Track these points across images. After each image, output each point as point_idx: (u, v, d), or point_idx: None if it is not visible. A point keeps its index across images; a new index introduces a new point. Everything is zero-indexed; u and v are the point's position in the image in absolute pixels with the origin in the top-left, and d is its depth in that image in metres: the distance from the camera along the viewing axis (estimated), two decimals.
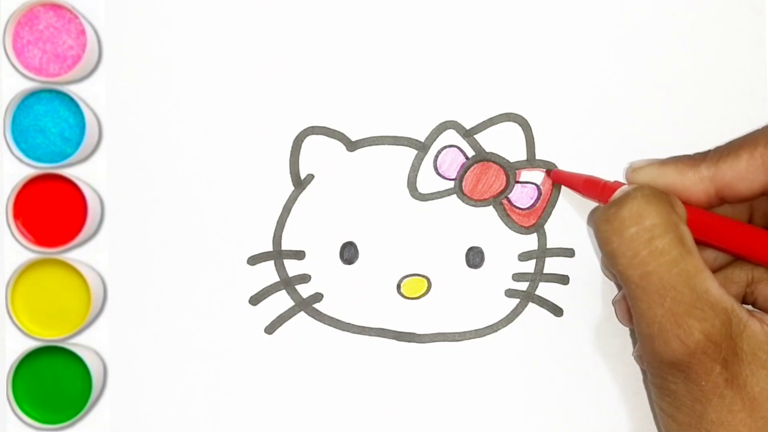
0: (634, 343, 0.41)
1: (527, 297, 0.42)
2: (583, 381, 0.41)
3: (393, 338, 0.42)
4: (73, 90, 0.41)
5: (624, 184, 0.38)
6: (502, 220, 0.42)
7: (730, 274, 0.39)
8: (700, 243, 0.35)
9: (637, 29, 0.42)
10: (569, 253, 0.42)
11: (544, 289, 0.42)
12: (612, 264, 0.35)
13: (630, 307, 0.35)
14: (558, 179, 0.41)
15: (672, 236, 0.34)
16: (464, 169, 0.42)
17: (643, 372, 0.41)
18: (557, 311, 0.42)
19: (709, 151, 0.37)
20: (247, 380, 0.41)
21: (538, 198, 0.41)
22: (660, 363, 0.34)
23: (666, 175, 0.37)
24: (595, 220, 0.35)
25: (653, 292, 0.33)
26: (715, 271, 0.39)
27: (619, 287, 0.41)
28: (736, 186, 0.36)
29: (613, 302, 0.41)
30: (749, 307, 0.38)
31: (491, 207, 0.42)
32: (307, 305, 0.42)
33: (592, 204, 0.41)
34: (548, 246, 0.42)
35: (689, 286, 0.33)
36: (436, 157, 0.42)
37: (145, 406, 0.41)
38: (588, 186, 0.39)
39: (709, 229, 0.36)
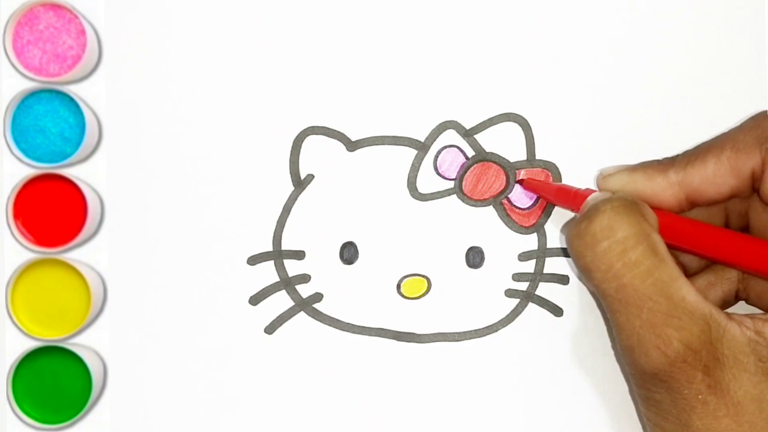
0: (617, 354, 0.41)
1: (527, 297, 0.42)
2: (582, 381, 0.41)
3: (393, 338, 0.42)
4: (73, 90, 0.41)
5: (594, 191, 0.38)
6: (502, 220, 0.42)
7: (720, 271, 0.39)
8: (675, 249, 0.35)
9: (637, 29, 0.42)
10: (569, 253, 0.42)
11: (544, 289, 0.42)
12: (587, 279, 0.35)
13: (610, 321, 0.35)
14: (529, 188, 0.41)
15: (644, 246, 0.33)
16: (464, 169, 0.42)
17: (628, 382, 0.41)
18: (557, 311, 0.42)
19: (677, 156, 0.37)
20: (247, 380, 0.41)
21: (538, 198, 0.41)
22: (642, 374, 0.34)
23: (635, 181, 0.37)
24: (567, 235, 0.35)
25: (630, 304, 0.33)
26: (703, 270, 0.39)
27: (597, 301, 0.41)
28: (704, 190, 0.36)
29: None
30: (734, 308, 0.38)
31: (491, 207, 0.42)
32: (307, 305, 0.42)
33: None
34: (548, 246, 0.42)
35: (665, 296, 0.33)
36: (436, 157, 0.42)
37: (145, 406, 0.41)
38: (558, 195, 0.39)
39: (682, 234, 0.36)
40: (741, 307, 0.39)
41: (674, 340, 0.33)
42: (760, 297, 0.38)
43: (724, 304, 0.39)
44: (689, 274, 0.39)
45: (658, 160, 0.37)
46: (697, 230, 0.36)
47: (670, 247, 0.35)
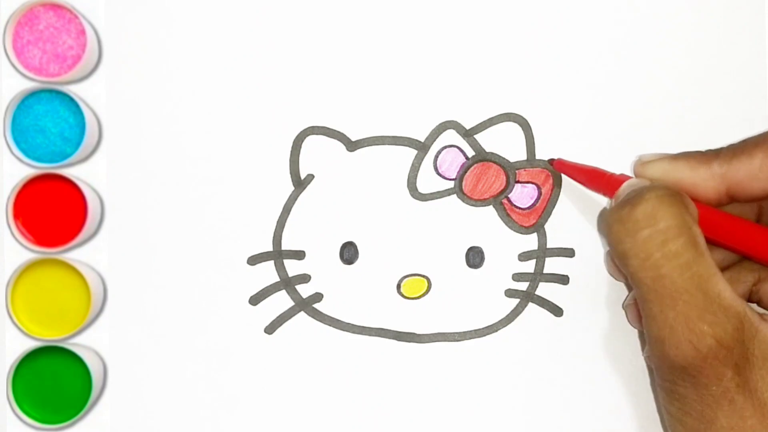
0: (643, 344, 0.41)
1: (527, 297, 0.42)
2: (582, 381, 0.41)
3: (393, 338, 0.42)
4: (73, 90, 0.41)
5: (630, 177, 0.38)
6: (502, 220, 0.42)
7: (737, 273, 0.38)
8: (709, 242, 0.35)
9: (637, 29, 0.42)
10: (569, 253, 0.42)
11: (544, 289, 0.42)
12: (623, 265, 0.34)
13: (640, 309, 0.35)
14: (560, 169, 0.41)
15: (685, 239, 0.33)
16: (464, 169, 0.42)
17: (651, 374, 0.41)
18: (557, 311, 0.42)
19: (723, 148, 0.36)
20: (247, 380, 0.41)
21: (538, 198, 0.41)
22: (670, 367, 0.34)
23: (677, 170, 0.36)
24: (607, 219, 0.35)
25: (666, 295, 0.33)
26: (722, 270, 0.39)
27: (629, 288, 0.41)
28: (748, 185, 0.36)
29: (624, 307, 0.41)
30: (755, 305, 0.38)
31: (491, 207, 0.42)
32: (307, 305, 0.42)
33: (593, 204, 0.41)
34: (548, 246, 0.42)
35: (702, 290, 0.33)
36: (436, 157, 0.42)
37: (145, 406, 0.41)
38: (592, 177, 0.39)
39: (719, 228, 0.36)
40: None
41: (707, 335, 0.33)
42: None
43: None
44: None
45: (701, 151, 0.37)
46: (735, 225, 0.36)
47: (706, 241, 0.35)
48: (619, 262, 0.35)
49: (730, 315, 0.33)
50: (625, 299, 0.41)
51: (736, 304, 0.33)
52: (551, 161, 0.41)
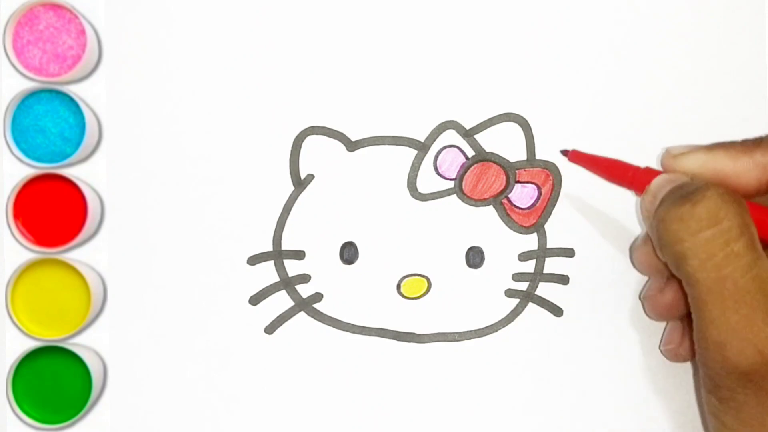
0: (671, 339, 0.40)
1: (527, 297, 0.42)
2: (582, 381, 0.41)
3: (393, 338, 0.42)
4: (73, 90, 0.41)
5: (657, 171, 0.37)
6: (502, 220, 0.42)
7: None
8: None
9: (637, 29, 0.42)
10: (569, 253, 0.42)
11: (544, 289, 0.42)
12: (680, 264, 0.33)
13: (695, 312, 0.33)
14: (576, 160, 0.40)
15: (746, 239, 0.32)
16: (464, 169, 0.42)
17: (698, 381, 0.40)
18: (557, 311, 0.42)
19: (763, 137, 0.36)
20: (247, 380, 0.41)
21: (538, 198, 0.41)
22: (730, 373, 0.33)
23: (716, 161, 0.35)
24: (664, 216, 0.34)
25: (727, 297, 0.32)
26: None
27: (681, 281, 0.37)
28: None
29: (642, 298, 0.40)
30: None
31: (491, 207, 0.42)
32: (307, 305, 0.42)
33: (595, 203, 0.41)
34: (548, 246, 0.42)
35: (764, 292, 0.32)
36: (436, 157, 0.42)
37: (145, 406, 0.41)
38: (614, 170, 0.38)
39: (764, 224, 0.35)
40: None
41: None
42: None
43: None
44: None
45: (739, 141, 0.36)
46: None
47: None
48: (675, 262, 0.33)
49: None
50: (644, 290, 0.40)
51: None
52: (565, 152, 0.41)
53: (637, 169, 0.37)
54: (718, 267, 0.32)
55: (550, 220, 0.42)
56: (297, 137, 0.42)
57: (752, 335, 0.32)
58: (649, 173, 0.37)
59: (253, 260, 0.42)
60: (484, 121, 0.42)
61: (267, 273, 0.42)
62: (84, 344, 0.41)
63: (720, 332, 0.32)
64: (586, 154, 0.40)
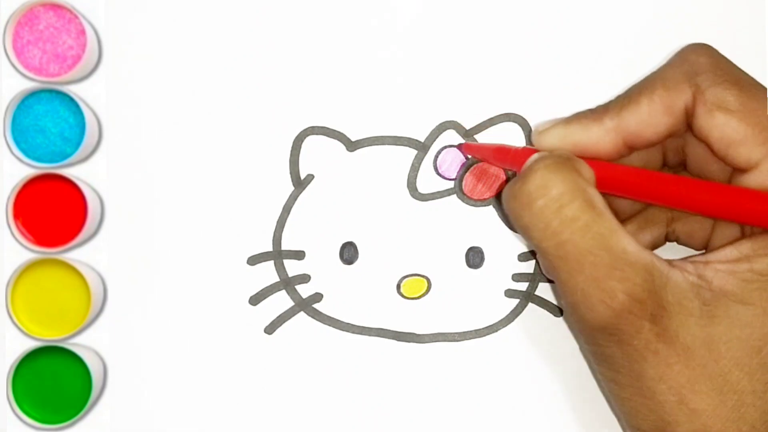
0: (564, 316, 0.41)
1: (527, 297, 0.42)
2: (582, 381, 0.41)
3: (393, 338, 0.42)
4: (73, 90, 0.41)
5: (533, 150, 0.37)
6: (502, 220, 0.42)
7: (650, 216, 0.39)
8: (614, 196, 0.35)
9: (637, 29, 0.42)
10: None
11: (544, 289, 0.42)
12: (528, 238, 0.34)
13: (552, 279, 0.35)
14: (469, 151, 0.41)
15: (580, 201, 0.33)
16: (464, 169, 0.42)
17: (578, 341, 0.41)
18: (557, 311, 0.42)
19: (610, 102, 0.37)
20: (247, 380, 0.41)
21: None
22: (590, 329, 0.34)
23: (572, 134, 0.36)
24: (504, 198, 0.35)
25: (571, 260, 0.33)
26: (634, 215, 0.39)
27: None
28: (641, 133, 0.36)
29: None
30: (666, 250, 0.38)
31: (491, 207, 0.42)
32: (307, 305, 0.42)
33: None
34: None
35: (606, 248, 0.33)
36: (436, 157, 0.42)
37: (145, 406, 0.41)
38: (499, 155, 0.39)
39: (618, 182, 0.35)
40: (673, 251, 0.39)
41: (618, 292, 0.33)
42: (690, 236, 0.39)
43: (653, 247, 0.39)
44: (622, 219, 0.39)
45: (591, 109, 0.37)
46: (631, 176, 0.35)
47: (610, 195, 0.35)
48: (524, 237, 0.35)
49: (638, 268, 0.33)
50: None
51: (643, 257, 0.33)
52: (460, 146, 0.41)
53: (516, 150, 0.38)
54: (556, 233, 0.33)
55: None
56: (297, 137, 0.42)
57: (599, 291, 0.33)
58: (525, 153, 0.37)
59: (253, 260, 0.42)
60: (484, 121, 0.42)
61: (267, 273, 0.42)
62: (84, 344, 0.41)
63: (572, 294, 0.34)
64: (475, 144, 0.41)
